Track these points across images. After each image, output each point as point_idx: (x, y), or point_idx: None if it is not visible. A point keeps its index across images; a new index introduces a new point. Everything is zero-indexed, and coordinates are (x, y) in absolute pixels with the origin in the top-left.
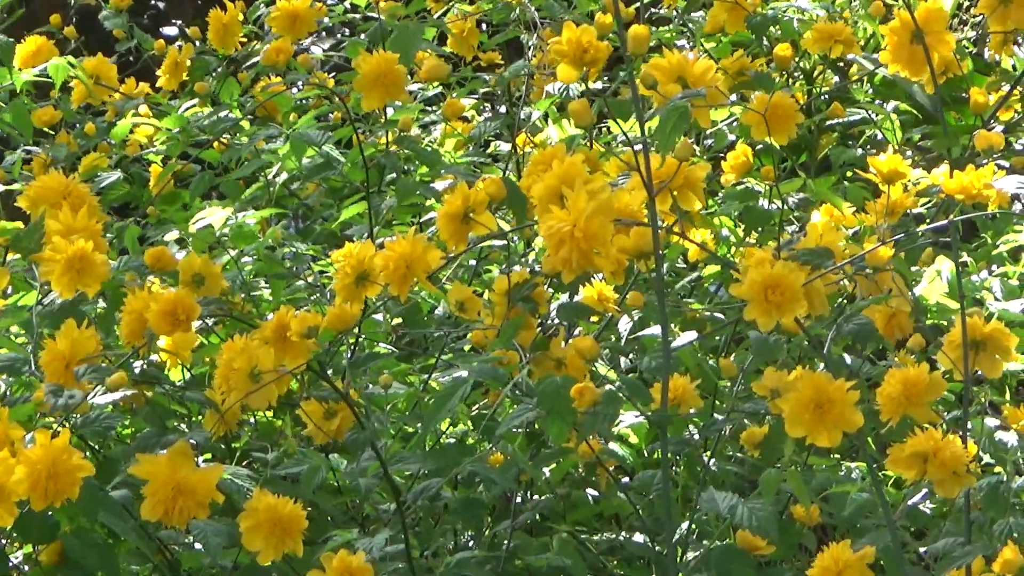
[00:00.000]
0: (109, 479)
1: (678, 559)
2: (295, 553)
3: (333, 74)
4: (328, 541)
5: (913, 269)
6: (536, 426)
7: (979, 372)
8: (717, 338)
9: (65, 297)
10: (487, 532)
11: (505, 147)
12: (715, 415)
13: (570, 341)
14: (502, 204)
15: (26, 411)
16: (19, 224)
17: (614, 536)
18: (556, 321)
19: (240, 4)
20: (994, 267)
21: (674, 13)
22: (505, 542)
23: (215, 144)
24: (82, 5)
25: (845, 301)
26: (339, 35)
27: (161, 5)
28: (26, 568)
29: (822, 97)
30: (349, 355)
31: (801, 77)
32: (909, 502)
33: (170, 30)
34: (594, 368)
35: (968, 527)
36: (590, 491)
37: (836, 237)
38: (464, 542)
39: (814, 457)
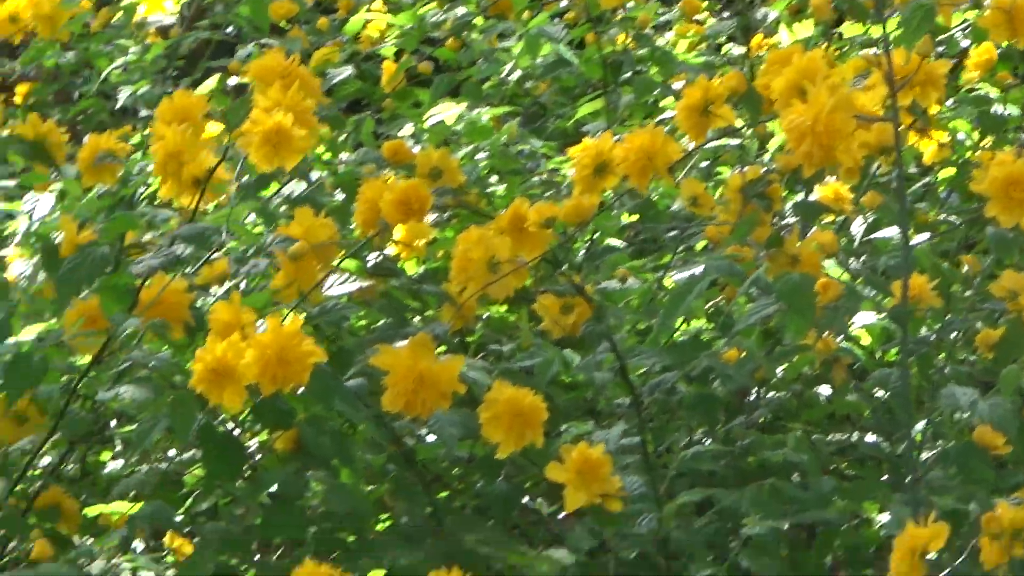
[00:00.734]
0: (344, 370)
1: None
2: (535, 444)
3: None
4: (561, 435)
5: None
6: (771, 323)
7: None
8: (949, 243)
9: (263, 170)
10: (721, 428)
11: (737, 50)
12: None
13: (808, 235)
14: (737, 103)
15: (262, 299)
16: None
17: (846, 436)
18: (790, 220)
19: None
20: None
21: None
22: (739, 439)
23: (448, 42)
24: None
25: None
26: None
27: None
28: (259, 457)
29: None
30: (584, 250)
31: None
32: None
33: None
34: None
35: None
36: (823, 390)
37: None
38: (698, 438)
39: None
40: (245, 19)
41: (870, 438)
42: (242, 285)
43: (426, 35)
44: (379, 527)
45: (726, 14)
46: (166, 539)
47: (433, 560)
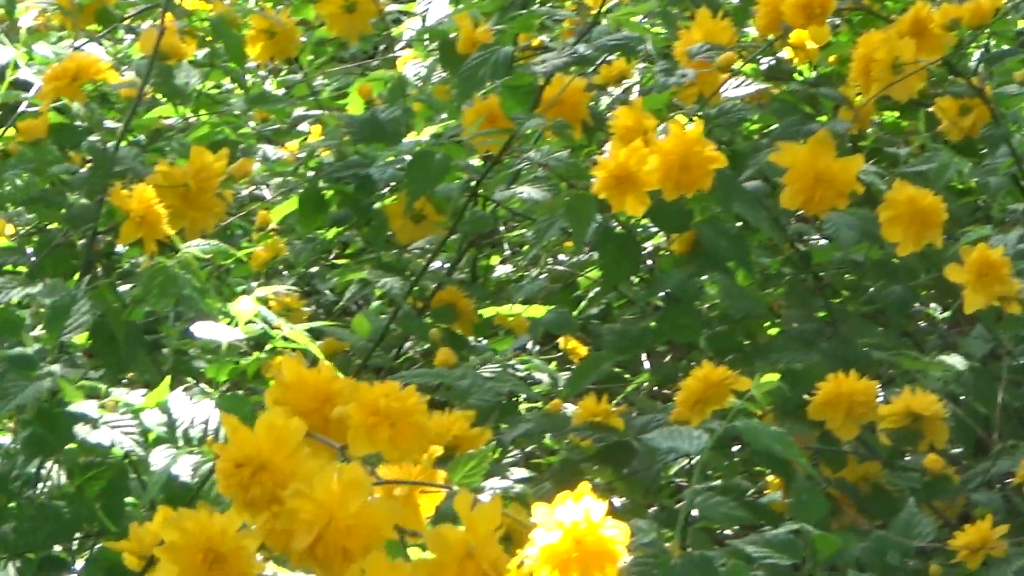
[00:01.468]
0: (738, 173)
1: None
2: (934, 245)
3: None
4: (958, 240)
5: None
6: None
7: None
8: None
9: None
10: None
11: None
12: None
13: None
14: None
15: (661, 100)
16: None
17: None
18: None
19: None
20: None
21: None
22: None
23: None
24: None
25: None
26: None
27: None
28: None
29: None
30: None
31: None
32: None
33: None
34: None
35: None
36: None
37: None
38: None
39: None
40: None
41: None
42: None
43: None
44: (771, 332)
45: None
46: (560, 341)
47: (827, 363)
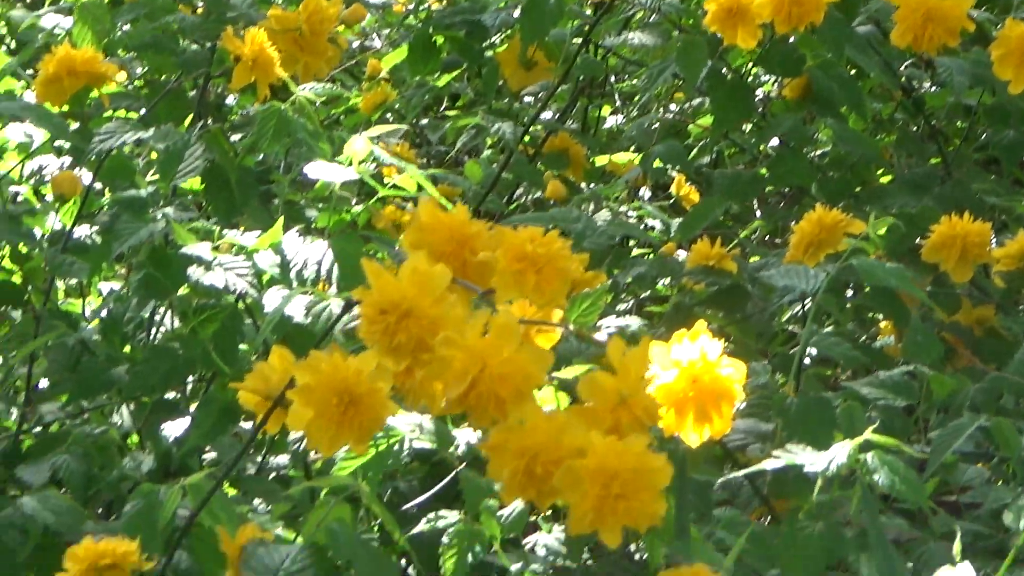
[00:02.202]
0: (850, 18)
1: None
2: None
3: None
4: None
5: None
6: None
7: None
8: None
9: None
10: None
11: None
12: None
13: None
14: None
15: None
16: None
17: None
18: None
19: None
20: None
21: None
22: None
23: None
24: None
25: None
26: None
27: None
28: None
29: None
30: None
31: None
32: None
33: None
34: None
35: None
36: None
37: None
38: None
39: None
40: None
41: None
42: None
43: None
44: (883, 180)
45: None
46: (672, 187)
47: (940, 208)
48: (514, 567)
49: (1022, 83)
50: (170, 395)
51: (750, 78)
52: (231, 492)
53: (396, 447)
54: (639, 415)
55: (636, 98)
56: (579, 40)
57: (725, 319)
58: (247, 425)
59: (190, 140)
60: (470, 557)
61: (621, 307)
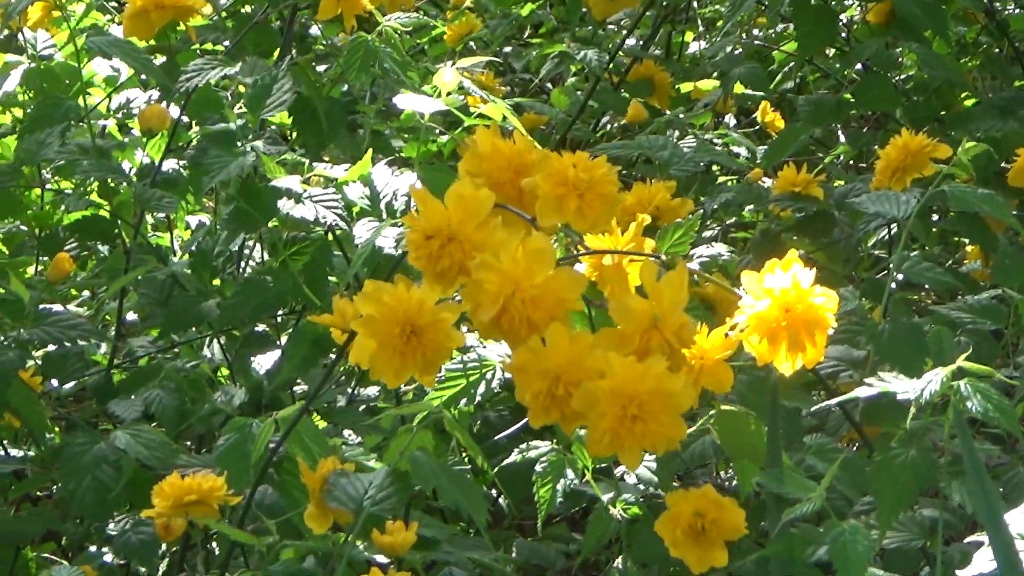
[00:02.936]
0: None
1: None
2: None
3: None
4: None
5: None
6: None
7: None
8: None
9: None
10: None
11: None
12: None
13: None
14: None
15: None
16: None
17: None
18: None
19: None
20: None
21: None
22: None
23: None
24: None
25: None
26: None
27: None
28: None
29: None
30: None
31: None
32: None
33: None
34: None
35: None
36: None
37: None
38: None
39: None
40: None
41: None
42: None
43: None
44: (967, 103)
45: None
46: (757, 114)
47: None
48: (605, 497)
49: None
50: (261, 328)
51: (834, 3)
52: (321, 424)
53: (488, 376)
54: (670, 339)
55: (719, 24)
56: None
57: (812, 245)
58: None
59: (278, 73)
60: (561, 486)
61: (706, 234)
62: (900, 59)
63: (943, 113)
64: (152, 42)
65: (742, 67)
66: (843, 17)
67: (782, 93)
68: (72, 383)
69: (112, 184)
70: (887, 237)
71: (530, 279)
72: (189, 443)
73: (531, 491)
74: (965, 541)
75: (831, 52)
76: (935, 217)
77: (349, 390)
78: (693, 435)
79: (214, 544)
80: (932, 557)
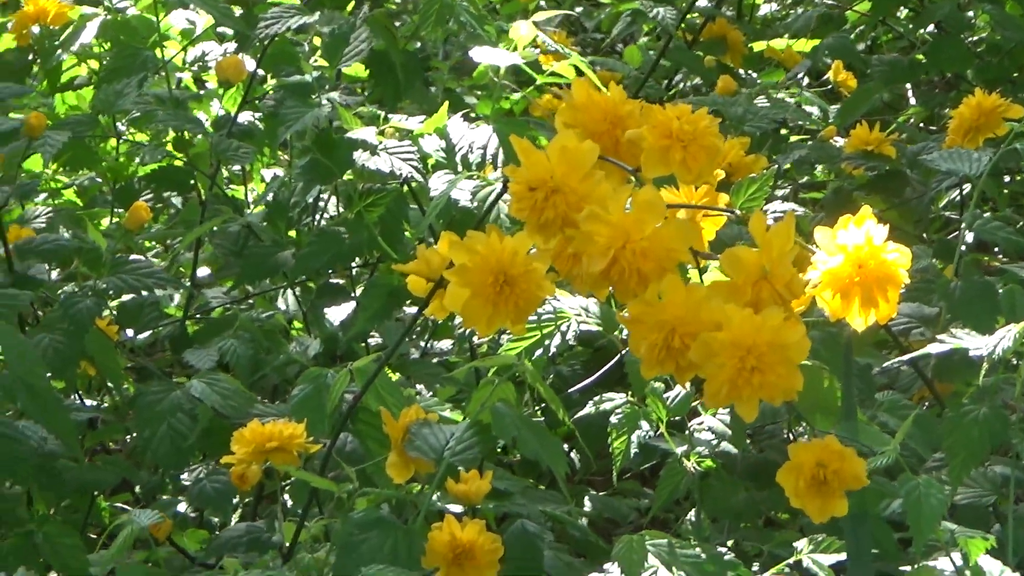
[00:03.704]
0: None
1: None
2: None
3: None
4: None
5: None
6: None
7: None
8: None
9: None
10: None
11: None
12: None
13: None
14: None
15: None
16: None
17: None
18: None
19: None
20: None
21: None
22: None
23: None
24: None
25: None
26: None
27: None
28: None
29: None
30: None
31: None
32: None
33: None
34: None
35: None
36: None
37: None
38: None
39: None
40: None
41: None
42: None
43: None
44: None
45: None
46: (830, 73)
47: None
48: (679, 449)
49: None
50: (335, 280)
51: None
52: (395, 376)
53: (564, 328)
54: (780, 290)
55: None
56: None
57: (884, 203)
58: (412, 310)
59: (356, 21)
60: (636, 438)
61: (778, 193)
62: (973, 20)
63: (1015, 75)
64: None
65: (831, 37)
66: None
67: (855, 52)
68: (147, 333)
69: (188, 136)
70: (958, 199)
71: (640, 231)
72: (261, 396)
73: (605, 443)
74: None
75: (904, 13)
76: (1007, 179)
77: (422, 343)
78: None
79: (286, 497)
80: (1003, 515)
